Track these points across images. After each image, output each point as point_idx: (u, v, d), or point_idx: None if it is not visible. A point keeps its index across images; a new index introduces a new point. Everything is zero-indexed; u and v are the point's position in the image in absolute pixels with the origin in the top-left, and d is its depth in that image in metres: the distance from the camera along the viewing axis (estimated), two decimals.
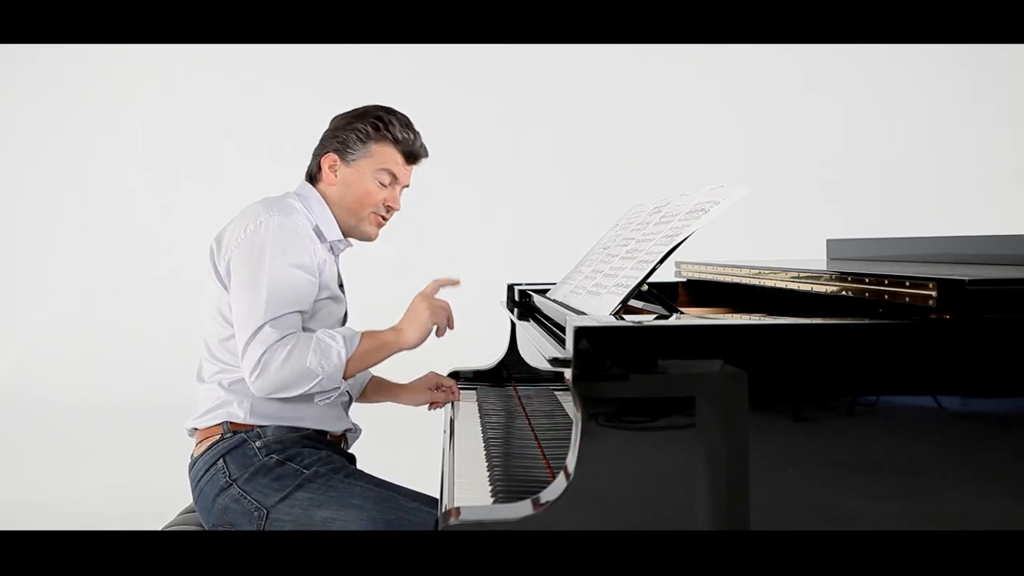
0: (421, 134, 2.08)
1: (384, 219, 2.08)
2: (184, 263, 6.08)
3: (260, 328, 1.83)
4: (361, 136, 2.02)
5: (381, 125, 2.03)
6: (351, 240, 2.10)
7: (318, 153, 2.08)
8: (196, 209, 6.22)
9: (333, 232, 2.05)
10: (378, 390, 2.32)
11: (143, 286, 6.20)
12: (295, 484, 1.84)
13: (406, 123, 2.06)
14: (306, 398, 1.90)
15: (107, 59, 6.20)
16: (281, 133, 5.85)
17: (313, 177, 2.09)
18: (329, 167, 2.05)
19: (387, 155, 2.03)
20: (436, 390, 2.32)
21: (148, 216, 6.30)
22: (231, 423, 1.92)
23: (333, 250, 2.07)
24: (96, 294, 6.22)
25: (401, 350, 1.94)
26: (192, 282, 6.04)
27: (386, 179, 2.04)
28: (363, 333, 1.91)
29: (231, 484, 1.87)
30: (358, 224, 2.06)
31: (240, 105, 6.23)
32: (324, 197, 2.05)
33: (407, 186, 2.10)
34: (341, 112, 2.10)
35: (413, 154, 2.07)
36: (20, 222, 6.35)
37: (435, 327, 1.95)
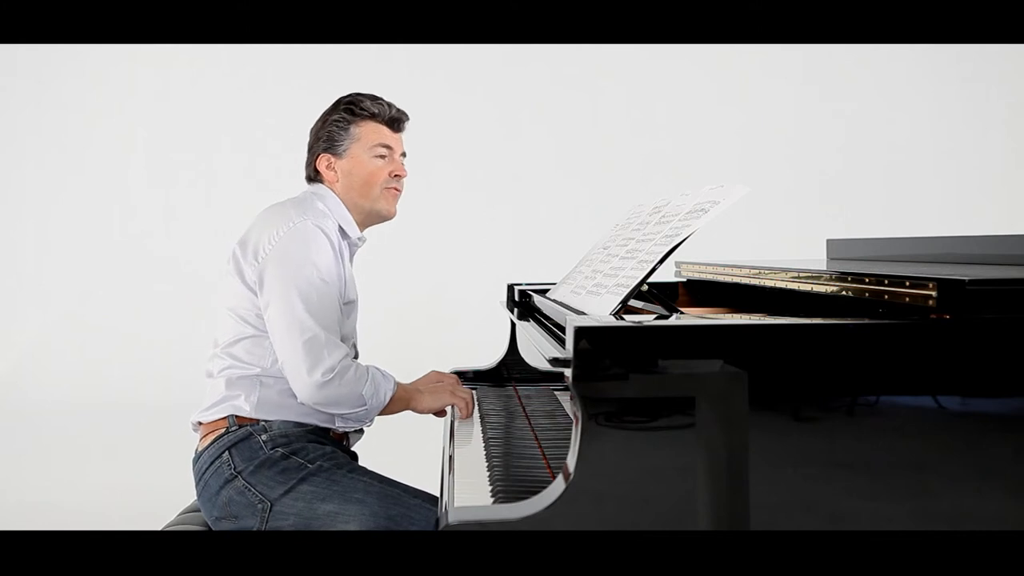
0: (394, 103, 2.14)
1: (398, 190, 2.14)
2: (185, 263, 6.09)
3: (327, 337, 1.90)
4: (341, 125, 2.09)
5: (354, 107, 2.10)
6: (365, 236, 2.15)
7: (310, 160, 2.14)
8: (197, 209, 6.22)
9: (353, 230, 2.10)
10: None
11: (143, 286, 6.20)
12: (299, 477, 1.86)
13: (374, 98, 2.13)
14: None
15: (107, 59, 6.19)
16: (283, 132, 5.85)
17: (313, 182, 2.14)
18: (327, 167, 2.10)
19: (373, 131, 2.10)
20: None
21: (148, 216, 6.30)
22: (237, 416, 1.94)
23: (351, 248, 2.09)
24: (96, 294, 6.22)
25: (410, 410, 2.09)
26: (193, 282, 6.05)
27: (383, 152, 2.10)
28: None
29: (236, 476, 1.88)
30: (375, 204, 2.11)
31: (241, 104, 6.22)
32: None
33: (404, 154, 2.16)
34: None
35: (395, 120, 2.14)
36: (20, 222, 6.35)
37: (451, 406, 2.12)
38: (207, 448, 1.94)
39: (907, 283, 1.32)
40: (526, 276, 2.76)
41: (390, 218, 2.15)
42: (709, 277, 2.26)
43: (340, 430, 2.04)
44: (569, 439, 1.29)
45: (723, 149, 6.11)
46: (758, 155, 6.12)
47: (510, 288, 2.54)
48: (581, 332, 1.23)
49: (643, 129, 6.17)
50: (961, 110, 6.13)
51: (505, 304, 2.55)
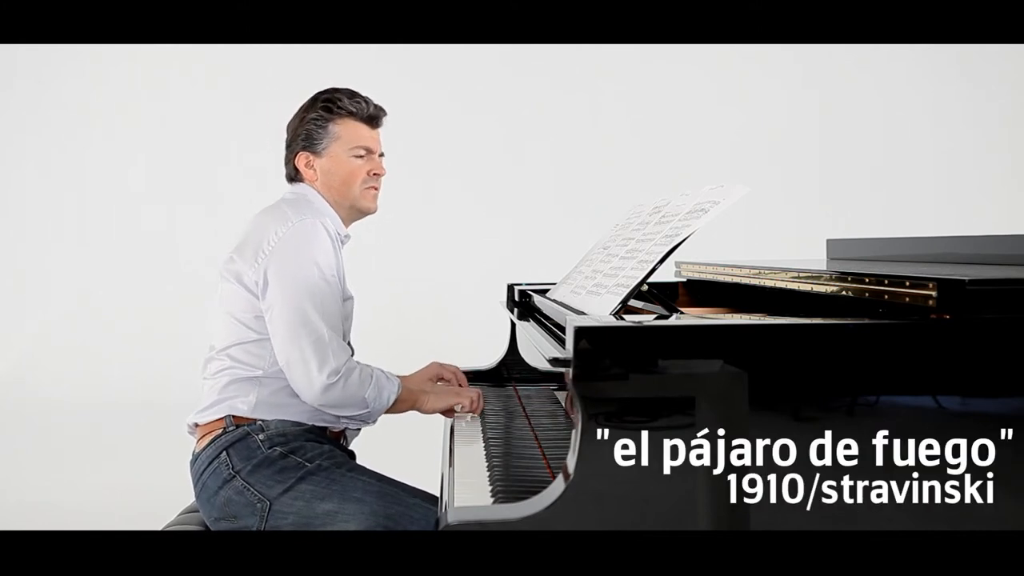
0: (371, 97, 2.12)
1: (376, 188, 2.12)
2: (185, 263, 6.09)
3: (331, 337, 1.90)
4: (320, 124, 2.08)
5: (332, 105, 2.08)
6: (349, 233, 2.14)
7: (289, 158, 2.13)
8: (198, 209, 6.22)
9: (340, 227, 2.10)
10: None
11: (143, 286, 6.19)
12: (298, 476, 1.86)
13: (352, 94, 2.11)
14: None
15: (107, 59, 6.19)
16: (283, 132, 5.85)
17: (293, 181, 2.14)
18: (305, 165, 2.10)
19: (352, 130, 2.08)
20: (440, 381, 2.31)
21: (149, 216, 6.30)
22: (234, 416, 1.94)
23: (341, 244, 2.10)
24: (96, 294, 6.21)
25: (416, 410, 2.07)
26: (194, 282, 6.04)
27: (361, 152, 2.09)
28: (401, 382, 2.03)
29: (234, 476, 1.88)
30: (355, 203, 2.10)
31: (241, 104, 6.22)
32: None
33: (382, 154, 2.14)
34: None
35: (372, 118, 2.12)
36: (20, 221, 6.35)
37: (458, 406, 2.10)
38: (204, 449, 1.94)
39: (907, 283, 1.32)
40: (526, 276, 2.75)
41: (371, 214, 2.14)
42: (709, 277, 2.26)
43: (342, 426, 2.04)
44: (569, 439, 1.29)
45: (723, 149, 6.11)
46: (758, 155, 6.12)
47: (510, 288, 2.54)
48: (581, 332, 1.23)
49: (643, 129, 6.17)
50: (961, 110, 6.12)
51: (505, 304, 2.55)
